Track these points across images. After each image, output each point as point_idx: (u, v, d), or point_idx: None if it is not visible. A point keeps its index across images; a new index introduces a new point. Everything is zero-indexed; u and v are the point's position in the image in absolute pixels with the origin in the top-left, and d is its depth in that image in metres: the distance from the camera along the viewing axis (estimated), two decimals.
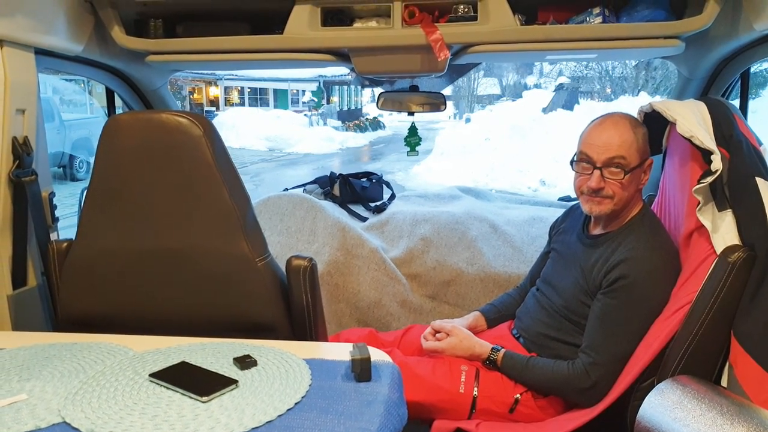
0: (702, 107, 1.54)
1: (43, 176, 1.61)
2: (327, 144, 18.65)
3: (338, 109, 26.56)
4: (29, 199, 1.54)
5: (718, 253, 1.38)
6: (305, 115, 22.72)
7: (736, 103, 1.93)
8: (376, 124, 24.00)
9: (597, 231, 1.65)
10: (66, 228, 1.77)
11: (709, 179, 1.39)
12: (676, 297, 1.47)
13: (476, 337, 1.72)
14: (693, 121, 1.48)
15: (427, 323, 1.87)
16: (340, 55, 1.85)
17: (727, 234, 1.39)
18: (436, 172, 13.10)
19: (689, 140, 1.45)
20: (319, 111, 24.38)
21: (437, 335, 1.76)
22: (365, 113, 27.61)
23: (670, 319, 1.43)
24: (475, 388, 1.62)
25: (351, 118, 24.84)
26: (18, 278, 1.53)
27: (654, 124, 1.68)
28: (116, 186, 1.37)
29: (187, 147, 1.32)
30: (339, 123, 23.55)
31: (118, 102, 2.33)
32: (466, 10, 1.70)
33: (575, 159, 1.61)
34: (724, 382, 1.38)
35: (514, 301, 1.93)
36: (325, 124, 22.68)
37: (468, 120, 18.31)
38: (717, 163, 1.39)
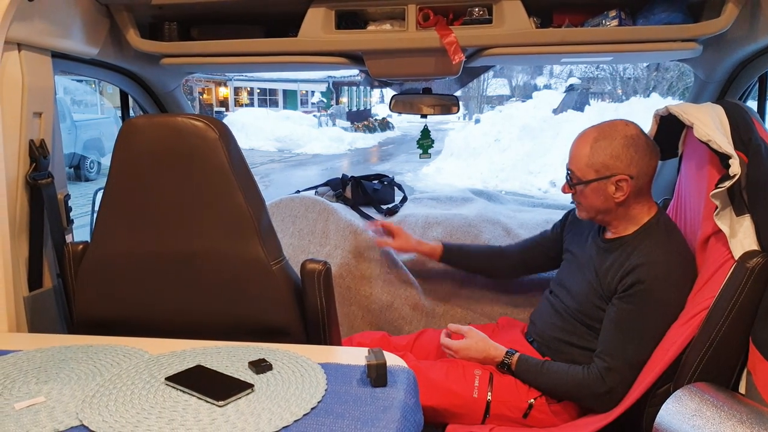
0: (719, 111, 1.52)
1: (58, 178, 1.62)
2: (336, 145, 18.68)
3: (347, 110, 26.60)
4: (45, 201, 1.55)
5: (736, 258, 1.36)
6: (314, 115, 22.79)
7: (754, 106, 1.91)
8: (384, 125, 24.02)
9: (611, 235, 1.64)
10: (78, 228, 1.78)
11: (727, 184, 1.38)
12: (692, 302, 1.46)
13: (491, 340, 1.71)
14: (710, 124, 1.46)
15: (439, 327, 1.87)
16: (354, 58, 1.85)
17: (746, 239, 1.38)
18: (445, 173, 13.09)
19: (706, 144, 1.44)
20: (328, 112, 24.44)
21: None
22: (374, 114, 27.65)
23: (687, 325, 1.42)
24: (489, 393, 1.61)
25: (360, 118, 24.87)
26: (34, 280, 1.54)
27: (670, 128, 1.67)
28: (132, 189, 1.37)
29: (202, 150, 1.32)
30: (348, 124, 23.59)
31: (131, 104, 2.35)
32: (481, 12, 1.70)
33: None
34: (742, 389, 1.36)
35: (488, 256, 2.04)
36: (334, 124, 22.73)
37: (477, 121, 18.25)
38: (735, 168, 1.37)
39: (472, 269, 2.11)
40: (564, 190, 1.66)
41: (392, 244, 2.12)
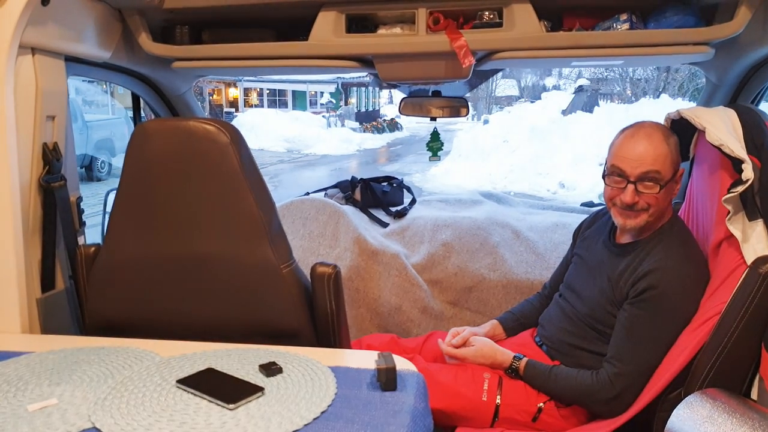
0: (732, 114, 1.51)
1: (71, 181, 1.64)
2: (345, 145, 18.71)
3: (356, 111, 26.63)
4: (58, 203, 1.56)
5: (749, 263, 1.35)
6: (323, 116, 22.83)
7: (766, 109, 1.89)
8: (393, 126, 24.04)
9: (625, 239, 1.62)
10: (89, 228, 1.80)
11: (740, 188, 1.37)
12: (704, 307, 1.45)
13: (497, 345, 1.71)
14: (723, 128, 1.45)
15: (448, 330, 1.86)
16: (365, 62, 1.85)
17: (758, 244, 1.37)
18: (454, 174, 13.07)
19: (719, 148, 1.43)
20: (337, 112, 24.48)
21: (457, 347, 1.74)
22: (383, 114, 27.67)
23: (699, 330, 1.41)
24: (498, 397, 1.61)
25: (369, 119, 24.90)
26: (47, 282, 1.55)
27: (682, 131, 1.66)
28: (144, 192, 1.38)
29: (214, 154, 1.33)
30: (357, 124, 23.62)
31: (142, 106, 2.36)
32: (491, 16, 1.69)
33: (606, 173, 1.57)
34: (753, 395, 1.35)
35: (535, 308, 1.91)
36: (342, 125, 22.76)
37: (486, 122, 18.22)
38: (748, 172, 1.36)
39: (532, 324, 1.89)
40: (632, 199, 1.50)
41: (467, 353, 1.73)
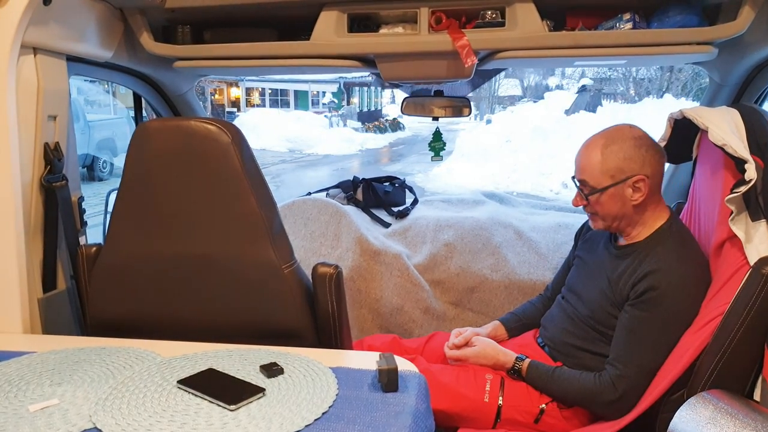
0: (735, 114, 1.51)
1: (72, 181, 1.64)
2: (347, 145, 18.70)
3: (358, 111, 26.63)
4: (59, 203, 1.56)
5: (752, 264, 1.34)
6: (325, 116, 22.84)
7: None
8: (395, 126, 24.02)
9: (623, 241, 1.62)
10: (90, 228, 1.80)
11: (743, 189, 1.37)
12: (706, 308, 1.44)
13: (500, 346, 1.71)
14: (726, 128, 1.45)
15: (450, 330, 1.86)
16: (367, 61, 1.85)
17: (761, 245, 1.36)
18: (456, 173, 13.05)
19: (721, 148, 1.42)
20: (339, 112, 24.49)
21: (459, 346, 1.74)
22: (385, 114, 27.67)
23: (701, 332, 1.40)
24: (500, 398, 1.60)
25: (371, 119, 24.89)
26: (48, 282, 1.55)
27: (685, 131, 1.66)
28: (145, 192, 1.38)
29: (215, 154, 1.33)
30: (359, 124, 23.62)
31: (144, 106, 2.36)
32: (493, 15, 1.69)
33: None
34: (756, 397, 1.35)
35: (537, 310, 1.91)
36: (345, 125, 22.76)
37: (489, 121, 18.20)
38: (751, 173, 1.36)
39: (534, 325, 1.89)
40: (576, 203, 1.62)
41: (470, 353, 1.72)
